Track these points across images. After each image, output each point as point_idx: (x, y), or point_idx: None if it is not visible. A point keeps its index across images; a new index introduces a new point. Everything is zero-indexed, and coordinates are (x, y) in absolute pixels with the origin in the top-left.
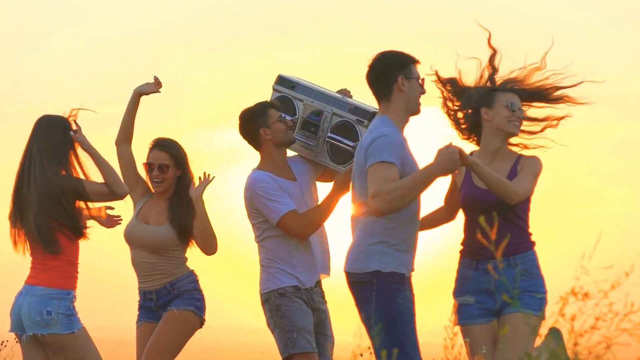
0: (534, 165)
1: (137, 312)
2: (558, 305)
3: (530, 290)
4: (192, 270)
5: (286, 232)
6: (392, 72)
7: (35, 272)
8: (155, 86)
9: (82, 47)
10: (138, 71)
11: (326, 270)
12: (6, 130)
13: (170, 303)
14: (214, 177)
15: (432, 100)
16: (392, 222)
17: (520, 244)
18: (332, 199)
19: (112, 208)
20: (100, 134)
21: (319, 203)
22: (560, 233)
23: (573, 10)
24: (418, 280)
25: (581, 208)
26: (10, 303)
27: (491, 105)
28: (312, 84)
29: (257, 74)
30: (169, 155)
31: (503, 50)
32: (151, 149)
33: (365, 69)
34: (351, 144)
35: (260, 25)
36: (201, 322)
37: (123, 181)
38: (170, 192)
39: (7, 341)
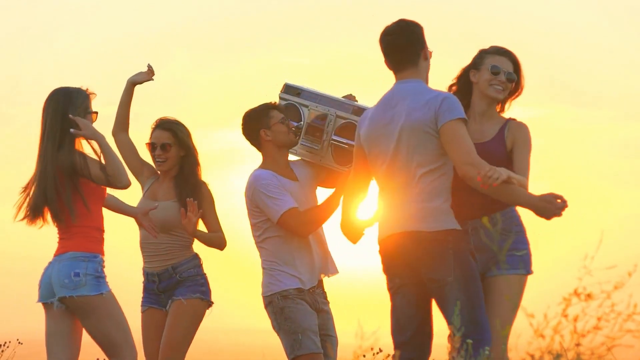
0: (527, 139)
1: (140, 298)
2: (561, 306)
3: (510, 249)
4: (196, 253)
5: (287, 230)
6: (419, 41)
7: (62, 243)
8: (148, 74)
9: (84, 48)
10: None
11: (327, 269)
12: (8, 131)
13: (175, 291)
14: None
15: None
16: (449, 183)
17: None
18: (334, 198)
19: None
20: (104, 133)
21: (320, 203)
22: (563, 234)
23: (575, 11)
24: None
25: (584, 208)
26: (10, 305)
27: (479, 67)
28: (318, 90)
29: (259, 74)
30: (171, 134)
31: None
32: (154, 129)
33: (365, 68)
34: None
35: (262, 26)
36: (209, 305)
37: (126, 170)
38: (175, 170)
39: (10, 342)
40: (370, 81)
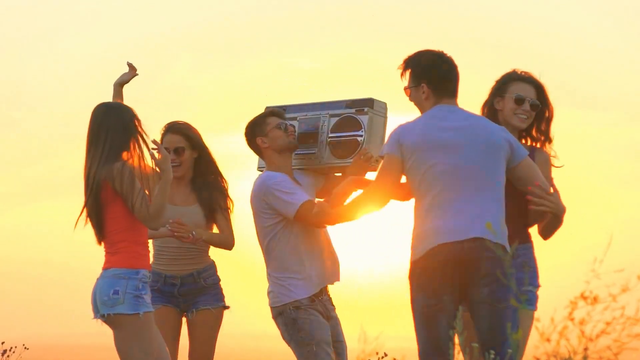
0: (548, 163)
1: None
2: (567, 310)
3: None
4: (213, 260)
5: (305, 222)
6: None
7: (106, 257)
8: (131, 72)
9: (88, 52)
10: (144, 75)
11: (336, 276)
12: (14, 134)
13: (198, 299)
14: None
15: None
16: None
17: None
18: (347, 187)
19: None
20: None
21: (332, 193)
22: (570, 237)
23: (578, 13)
24: None
25: (591, 212)
26: (16, 310)
27: (503, 94)
28: (302, 102)
29: (263, 77)
30: (183, 137)
31: (511, 54)
32: (164, 134)
33: (369, 71)
34: (358, 133)
35: (265, 30)
36: (226, 308)
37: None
38: (190, 174)
39: (16, 347)
40: (373, 83)
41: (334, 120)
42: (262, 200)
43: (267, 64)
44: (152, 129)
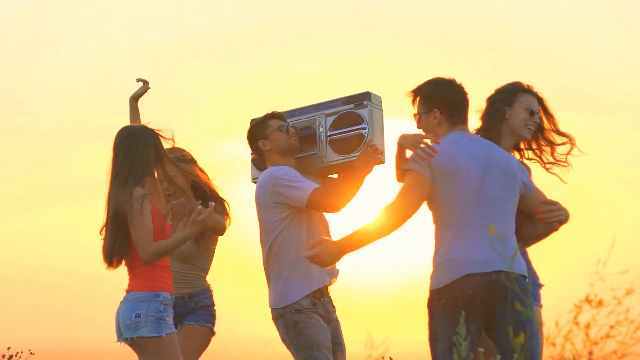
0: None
1: None
2: (572, 314)
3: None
4: (209, 285)
5: (318, 208)
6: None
7: (128, 280)
8: (144, 86)
9: (93, 57)
10: (151, 81)
11: (334, 274)
12: (20, 140)
13: (187, 317)
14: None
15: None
16: None
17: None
18: (357, 177)
19: None
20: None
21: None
22: (574, 240)
23: (585, 17)
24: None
25: (595, 215)
26: (22, 316)
27: (512, 104)
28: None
29: (271, 83)
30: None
31: (517, 58)
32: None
33: (374, 77)
34: (362, 126)
35: (272, 35)
36: (213, 335)
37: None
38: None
39: (22, 352)
40: (383, 89)
41: (330, 119)
42: (270, 193)
43: (273, 69)
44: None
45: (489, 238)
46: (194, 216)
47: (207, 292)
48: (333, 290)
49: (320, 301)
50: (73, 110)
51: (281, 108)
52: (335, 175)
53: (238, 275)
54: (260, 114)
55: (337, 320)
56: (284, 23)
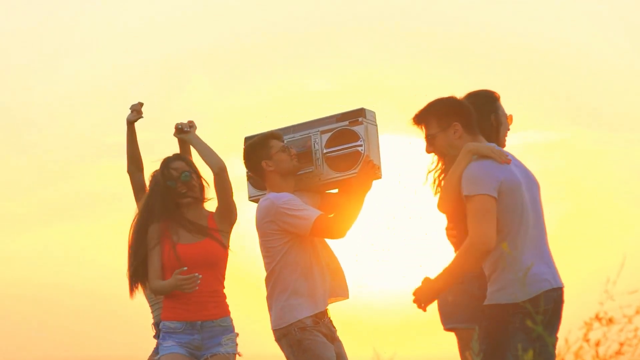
0: None
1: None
2: (582, 331)
3: None
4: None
5: (322, 236)
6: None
7: None
8: (138, 109)
9: (100, 73)
10: (159, 98)
11: (344, 292)
12: (26, 157)
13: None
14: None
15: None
16: None
17: None
18: (357, 197)
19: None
20: (122, 160)
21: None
22: (584, 257)
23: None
24: None
25: (605, 232)
26: (25, 334)
27: (496, 112)
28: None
29: (280, 100)
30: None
31: (529, 74)
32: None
33: (382, 92)
34: (358, 143)
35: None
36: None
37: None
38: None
39: None
40: (393, 106)
41: (326, 136)
42: (271, 222)
43: (286, 86)
44: (168, 150)
45: (547, 253)
46: (181, 282)
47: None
48: (339, 308)
49: (322, 321)
50: (79, 127)
51: (288, 124)
52: (335, 190)
53: (242, 293)
54: (254, 131)
55: (339, 340)
56: (294, 39)
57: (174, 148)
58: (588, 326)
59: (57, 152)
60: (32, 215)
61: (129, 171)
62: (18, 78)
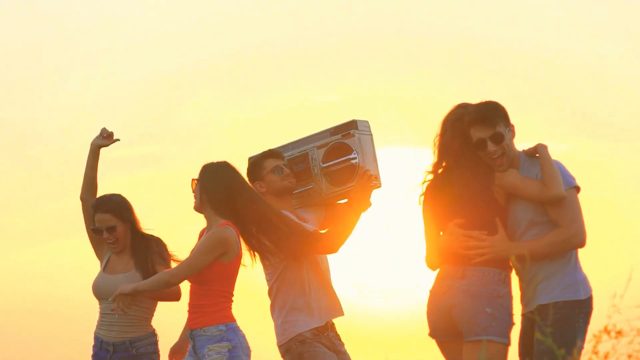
0: None
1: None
2: (591, 344)
3: None
4: (154, 329)
5: (314, 252)
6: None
7: None
8: (108, 138)
9: (105, 88)
10: (161, 111)
11: (339, 311)
12: (31, 172)
13: None
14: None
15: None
16: None
17: None
18: (354, 212)
19: None
20: (126, 174)
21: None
22: (591, 270)
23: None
24: None
25: (612, 244)
26: (28, 348)
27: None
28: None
29: (286, 112)
30: (113, 215)
31: (538, 85)
32: (94, 213)
33: (391, 105)
34: (351, 156)
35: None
36: None
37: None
38: (128, 244)
39: None
40: (400, 116)
41: (321, 151)
42: None
43: (292, 99)
44: (173, 165)
45: None
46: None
47: (151, 337)
48: (348, 319)
49: (324, 334)
50: (84, 141)
51: (298, 137)
52: (344, 200)
53: (246, 309)
54: (277, 145)
55: (345, 353)
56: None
57: (179, 162)
58: (597, 338)
59: (62, 166)
60: (38, 230)
61: (83, 198)
62: (22, 92)
